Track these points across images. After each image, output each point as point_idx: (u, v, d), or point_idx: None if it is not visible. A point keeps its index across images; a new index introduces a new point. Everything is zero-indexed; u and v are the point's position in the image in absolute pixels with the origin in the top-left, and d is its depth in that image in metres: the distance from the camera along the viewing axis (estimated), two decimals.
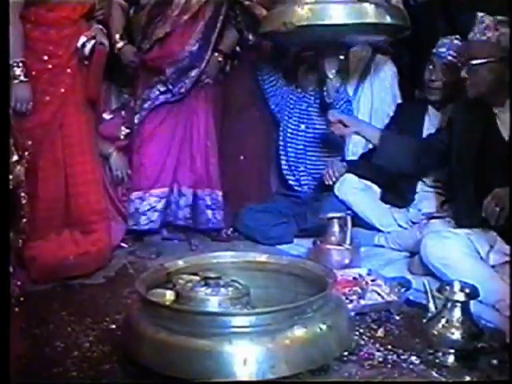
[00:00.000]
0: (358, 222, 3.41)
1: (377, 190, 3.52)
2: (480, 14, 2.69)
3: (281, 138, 3.88)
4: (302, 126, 3.85)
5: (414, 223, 3.31)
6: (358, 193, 3.43)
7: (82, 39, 3.13)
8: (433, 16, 4.07)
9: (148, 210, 3.46)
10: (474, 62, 2.65)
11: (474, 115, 2.80)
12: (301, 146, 3.84)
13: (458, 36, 3.27)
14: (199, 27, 3.44)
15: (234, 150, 3.77)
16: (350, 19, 3.14)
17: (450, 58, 3.24)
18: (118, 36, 3.47)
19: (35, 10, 3.01)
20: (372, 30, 3.35)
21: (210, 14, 3.46)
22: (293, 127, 3.86)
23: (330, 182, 3.45)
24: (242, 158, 3.82)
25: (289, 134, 3.84)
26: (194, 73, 3.45)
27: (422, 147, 3.12)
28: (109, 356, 2.14)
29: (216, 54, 3.53)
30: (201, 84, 3.49)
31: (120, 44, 3.46)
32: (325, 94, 3.66)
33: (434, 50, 3.31)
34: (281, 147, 3.89)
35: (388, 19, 3.17)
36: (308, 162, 3.83)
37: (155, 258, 3.30)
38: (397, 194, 3.41)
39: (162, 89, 3.44)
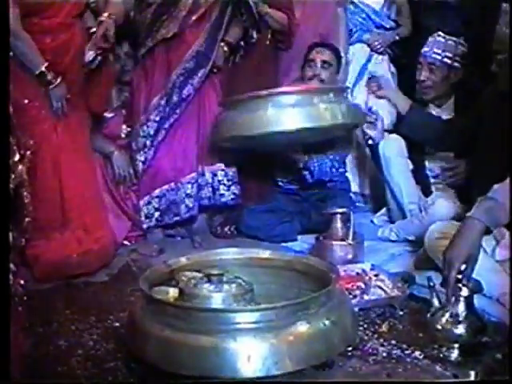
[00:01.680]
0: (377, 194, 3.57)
1: (411, 164, 3.51)
2: (503, 5, 2.68)
3: None
4: None
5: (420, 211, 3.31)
6: (400, 158, 3.43)
7: (90, 54, 3.16)
8: (428, 15, 4.10)
9: (184, 197, 3.51)
10: (500, 56, 2.65)
11: (505, 106, 2.76)
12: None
13: (440, 33, 3.31)
14: (206, 28, 3.45)
15: None
16: (278, 127, 3.11)
17: (434, 56, 3.28)
18: (106, 14, 3.16)
19: (29, 20, 3.01)
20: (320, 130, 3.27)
21: (216, 14, 3.48)
22: None
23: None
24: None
25: None
26: (200, 73, 3.46)
27: (447, 126, 3.15)
28: (113, 354, 2.15)
29: (222, 43, 3.54)
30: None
31: (103, 17, 3.15)
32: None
33: (421, 51, 3.36)
34: None
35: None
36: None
37: (157, 255, 3.30)
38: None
39: (164, 102, 3.45)
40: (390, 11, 4.19)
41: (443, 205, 3.13)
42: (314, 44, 3.74)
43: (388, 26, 4.16)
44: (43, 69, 3.00)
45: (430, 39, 3.35)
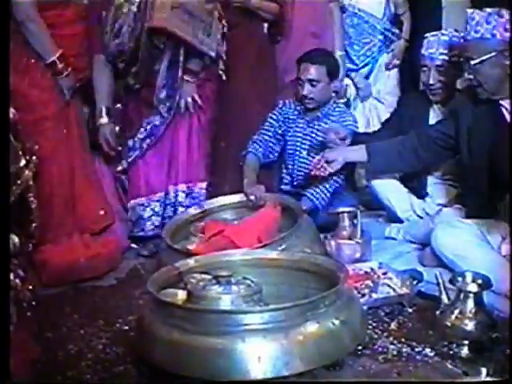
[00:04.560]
0: (375, 205, 3.48)
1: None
2: (469, 11, 2.63)
3: None
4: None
5: (427, 214, 3.28)
6: (383, 177, 3.34)
7: None
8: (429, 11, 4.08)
9: (152, 215, 3.44)
10: (473, 61, 2.61)
11: (479, 107, 2.76)
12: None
13: (443, 31, 3.17)
14: (159, 83, 3.31)
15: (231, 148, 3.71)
16: None
17: (441, 57, 3.09)
18: (104, 110, 3.29)
19: (46, 14, 3.02)
20: None
21: (168, 58, 3.29)
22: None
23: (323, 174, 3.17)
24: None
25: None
26: (170, 113, 3.37)
27: (421, 141, 3.01)
28: (122, 357, 2.16)
29: (186, 77, 3.35)
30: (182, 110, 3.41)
31: (103, 120, 3.29)
32: None
33: (424, 52, 3.16)
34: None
35: None
36: (301, 159, 3.68)
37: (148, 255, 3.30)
38: (410, 186, 3.39)
39: (137, 145, 3.41)
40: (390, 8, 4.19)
41: (449, 214, 3.09)
42: (299, 58, 3.46)
43: (395, 31, 4.15)
44: (55, 58, 2.99)
45: (432, 38, 3.13)
